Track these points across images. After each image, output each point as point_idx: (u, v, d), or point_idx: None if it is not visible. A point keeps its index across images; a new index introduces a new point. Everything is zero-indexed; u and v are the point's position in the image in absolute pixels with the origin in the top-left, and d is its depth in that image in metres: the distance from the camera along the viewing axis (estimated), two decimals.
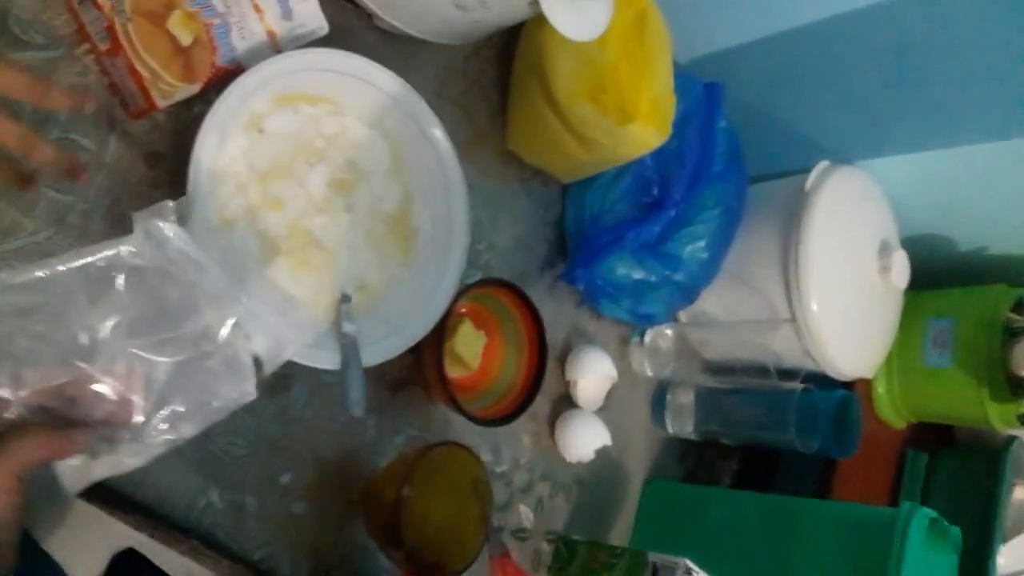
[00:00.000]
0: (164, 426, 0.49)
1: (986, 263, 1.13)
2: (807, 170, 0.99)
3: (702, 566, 0.78)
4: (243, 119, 0.65)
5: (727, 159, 0.96)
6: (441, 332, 0.74)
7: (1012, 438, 1.09)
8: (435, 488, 0.72)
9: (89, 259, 0.48)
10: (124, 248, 0.48)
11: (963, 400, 1.03)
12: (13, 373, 0.46)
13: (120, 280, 0.48)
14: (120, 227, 0.62)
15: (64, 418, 0.47)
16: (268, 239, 0.67)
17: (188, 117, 0.66)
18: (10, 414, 0.46)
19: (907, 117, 1.00)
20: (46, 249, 0.58)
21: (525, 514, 0.89)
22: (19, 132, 0.52)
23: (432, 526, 0.72)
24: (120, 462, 0.49)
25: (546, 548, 0.90)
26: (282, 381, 0.70)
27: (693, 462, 1.11)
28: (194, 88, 0.63)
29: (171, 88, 0.61)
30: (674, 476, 1.09)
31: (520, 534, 0.88)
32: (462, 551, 0.72)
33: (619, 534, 0.99)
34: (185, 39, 0.61)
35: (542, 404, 0.91)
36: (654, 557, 0.79)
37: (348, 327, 0.68)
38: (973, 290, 1.07)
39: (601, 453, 0.92)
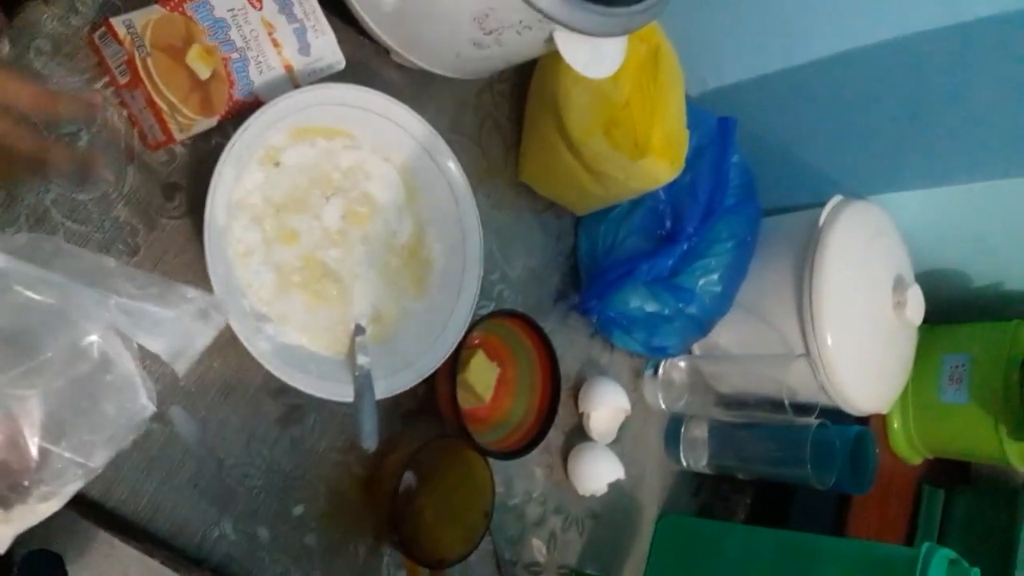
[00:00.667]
0: (69, 461, 0.44)
1: (1002, 298, 1.12)
2: (820, 204, 0.99)
3: None
4: (260, 152, 0.66)
5: (740, 193, 0.96)
6: (454, 364, 0.74)
7: None
8: (437, 479, 0.73)
9: None
10: None
11: (980, 437, 1.02)
12: None
13: None
14: (138, 257, 0.62)
15: None
16: (283, 271, 0.67)
17: (206, 149, 0.66)
18: None
19: (921, 152, 1.01)
20: None
21: (538, 548, 0.88)
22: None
23: (433, 516, 0.73)
24: (34, 509, 0.44)
25: None
26: (296, 412, 0.70)
27: (707, 496, 1.10)
28: (212, 121, 0.63)
29: (189, 121, 0.62)
30: (688, 510, 1.07)
31: (533, 568, 0.87)
32: (462, 543, 0.72)
33: (633, 568, 0.98)
34: (203, 73, 0.62)
35: (555, 436, 0.90)
36: None
37: (362, 359, 0.69)
38: (989, 325, 1.06)
39: (614, 486, 0.91)
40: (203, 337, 0.51)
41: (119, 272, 0.49)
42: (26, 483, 0.43)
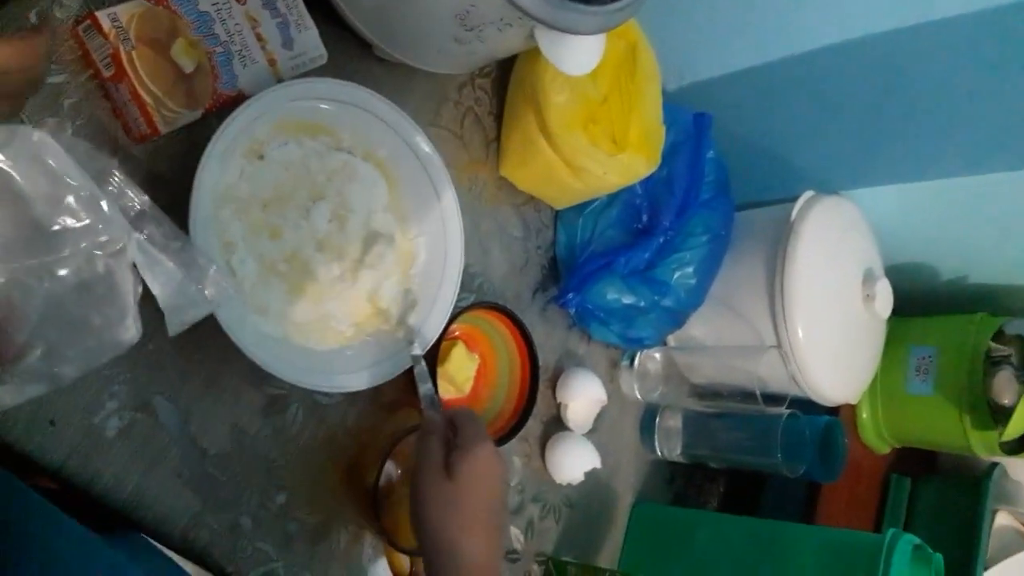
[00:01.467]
0: (40, 364, 0.45)
1: (968, 292, 1.15)
2: (793, 198, 1.01)
3: None
4: (244, 146, 0.67)
5: (715, 187, 0.98)
6: (435, 355, 0.75)
7: (994, 464, 1.10)
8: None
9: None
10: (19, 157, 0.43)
11: (945, 427, 1.05)
12: None
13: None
14: None
15: None
16: (267, 264, 0.68)
17: (190, 141, 0.67)
18: None
19: (892, 148, 1.03)
20: None
21: (516, 536, 0.89)
22: None
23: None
24: None
25: (536, 570, 0.91)
26: (278, 402, 0.70)
27: (681, 484, 1.13)
28: (196, 114, 0.64)
29: (173, 114, 0.62)
30: (662, 498, 1.10)
31: (511, 555, 0.89)
32: None
33: (608, 555, 1.00)
34: (188, 66, 0.63)
35: (533, 426, 0.92)
36: None
37: (416, 351, 0.73)
38: (955, 318, 1.09)
39: (591, 475, 0.93)
40: (201, 307, 0.53)
41: (152, 215, 0.51)
42: None
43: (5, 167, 0.44)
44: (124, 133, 0.64)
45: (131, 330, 0.49)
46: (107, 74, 0.61)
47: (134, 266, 0.49)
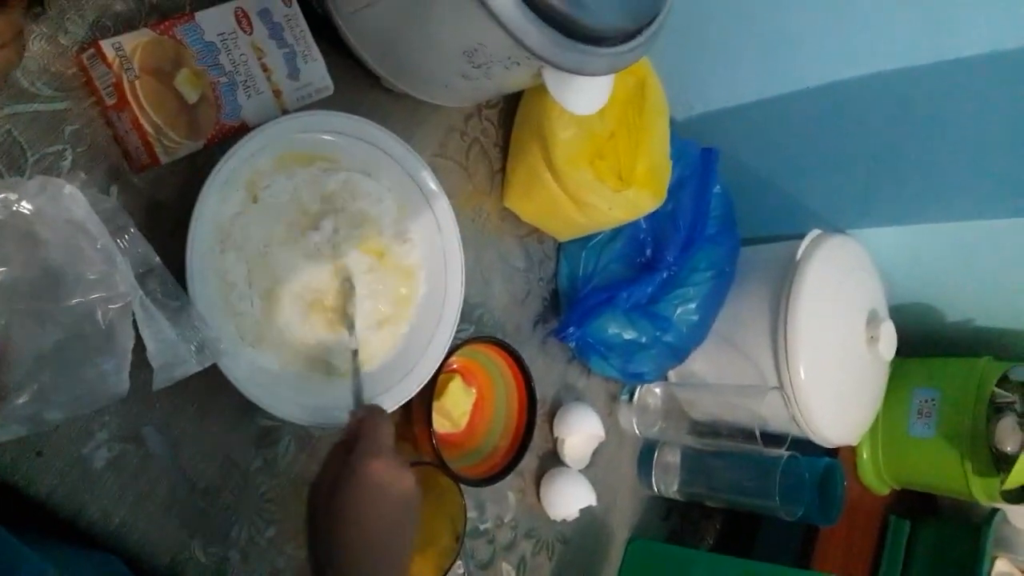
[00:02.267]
0: (27, 406, 0.46)
1: (973, 335, 1.14)
2: (799, 235, 1.01)
3: None
4: (246, 176, 0.66)
5: (720, 223, 0.97)
6: (431, 389, 0.74)
7: (995, 510, 1.09)
8: None
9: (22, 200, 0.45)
10: (13, 194, 0.45)
11: (946, 471, 1.04)
12: None
13: (7, 231, 0.45)
14: None
15: None
16: (267, 298, 0.67)
17: (191, 170, 0.66)
18: None
19: (901, 188, 1.02)
20: None
21: (508, 572, 0.88)
22: None
23: None
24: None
25: None
26: (271, 434, 0.70)
27: (677, 521, 1.12)
28: (198, 145, 0.63)
29: (175, 145, 0.62)
30: (657, 535, 1.08)
31: None
32: (433, 569, 0.73)
33: None
34: (191, 97, 0.62)
35: (529, 461, 0.91)
36: None
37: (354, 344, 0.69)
38: (960, 361, 1.08)
39: (586, 511, 0.92)
40: (188, 366, 0.54)
41: (158, 273, 0.53)
42: None
43: (31, 214, 0.45)
44: (125, 161, 0.63)
45: (123, 384, 0.49)
46: (110, 102, 0.61)
47: (133, 321, 0.50)
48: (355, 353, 0.68)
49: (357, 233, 0.73)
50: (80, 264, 0.47)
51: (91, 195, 0.50)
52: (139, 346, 0.53)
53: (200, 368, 0.56)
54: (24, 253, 0.46)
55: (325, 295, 0.70)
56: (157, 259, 0.55)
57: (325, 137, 0.69)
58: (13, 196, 0.45)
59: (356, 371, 0.67)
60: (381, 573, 0.55)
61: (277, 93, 0.67)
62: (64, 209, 0.47)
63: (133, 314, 0.50)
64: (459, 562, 0.79)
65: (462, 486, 0.75)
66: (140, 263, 0.53)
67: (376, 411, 0.60)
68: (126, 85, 0.59)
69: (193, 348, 0.55)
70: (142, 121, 0.60)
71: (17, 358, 0.45)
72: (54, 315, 0.46)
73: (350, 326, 0.69)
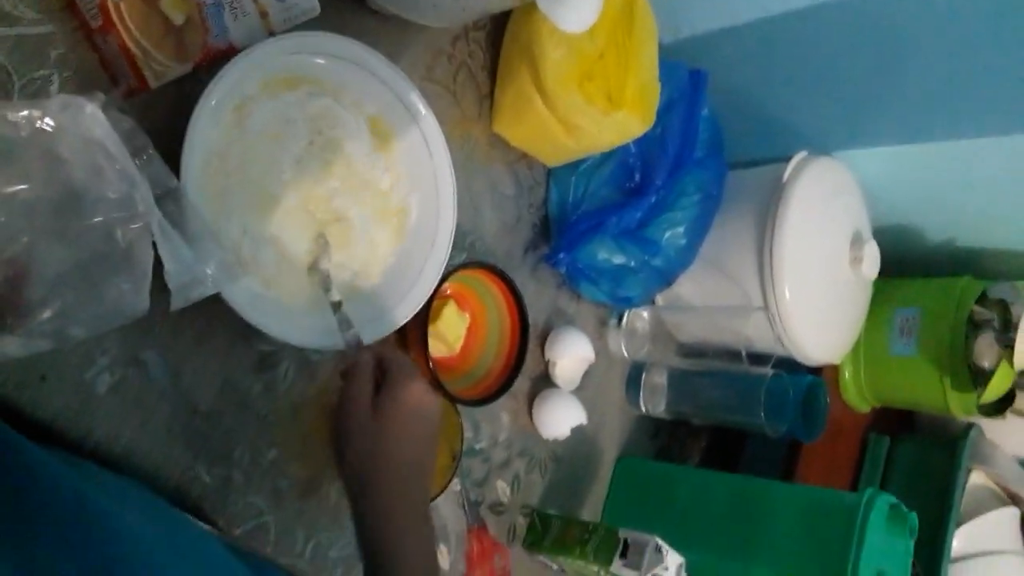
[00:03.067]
0: (50, 322, 0.47)
1: (954, 255, 1.16)
2: (785, 158, 1.01)
3: (669, 541, 0.81)
4: (235, 100, 0.66)
5: (708, 146, 0.97)
6: (426, 314, 0.75)
7: (971, 425, 1.13)
8: None
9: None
10: (36, 111, 0.45)
11: (926, 388, 1.07)
12: None
13: (30, 148, 0.45)
14: None
15: None
16: (258, 222, 0.67)
17: (179, 96, 0.65)
18: None
19: (885, 110, 1.03)
20: None
21: (502, 489, 0.91)
22: None
23: None
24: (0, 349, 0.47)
25: (522, 522, 0.93)
26: (269, 359, 0.71)
27: (664, 440, 1.15)
28: (186, 68, 0.63)
29: (163, 68, 0.61)
30: (646, 453, 1.12)
31: (498, 508, 0.90)
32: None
33: (592, 508, 1.02)
34: (177, 19, 0.61)
35: (521, 383, 0.93)
36: (625, 534, 0.82)
37: (324, 264, 0.69)
38: (940, 281, 1.10)
39: (576, 431, 0.94)
40: (204, 288, 0.55)
41: (175, 196, 0.53)
42: (8, 322, 0.45)
43: (53, 132, 0.45)
44: (113, 86, 0.62)
45: (143, 302, 0.50)
46: (94, 25, 0.59)
47: (152, 242, 0.51)
48: (339, 305, 0.68)
49: (344, 160, 0.73)
50: (100, 184, 0.47)
51: (111, 115, 0.50)
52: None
53: (216, 290, 0.56)
54: (46, 171, 0.46)
55: (313, 218, 0.71)
56: (175, 181, 0.55)
57: (314, 60, 0.69)
58: (36, 113, 0.45)
59: (346, 321, 0.67)
60: (419, 486, 0.60)
61: (264, 14, 0.66)
62: (85, 128, 0.47)
63: (152, 235, 0.50)
64: (456, 480, 0.81)
65: (458, 407, 0.77)
66: (158, 184, 0.53)
67: (390, 345, 0.65)
68: (111, 6, 0.58)
69: (209, 270, 0.55)
70: (129, 44, 0.59)
71: (40, 275, 0.45)
72: (75, 234, 0.47)
73: (326, 284, 0.69)
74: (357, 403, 0.60)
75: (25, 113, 0.45)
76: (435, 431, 0.62)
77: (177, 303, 0.54)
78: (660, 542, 0.80)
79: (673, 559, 0.79)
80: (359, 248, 0.75)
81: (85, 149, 0.47)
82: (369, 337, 0.71)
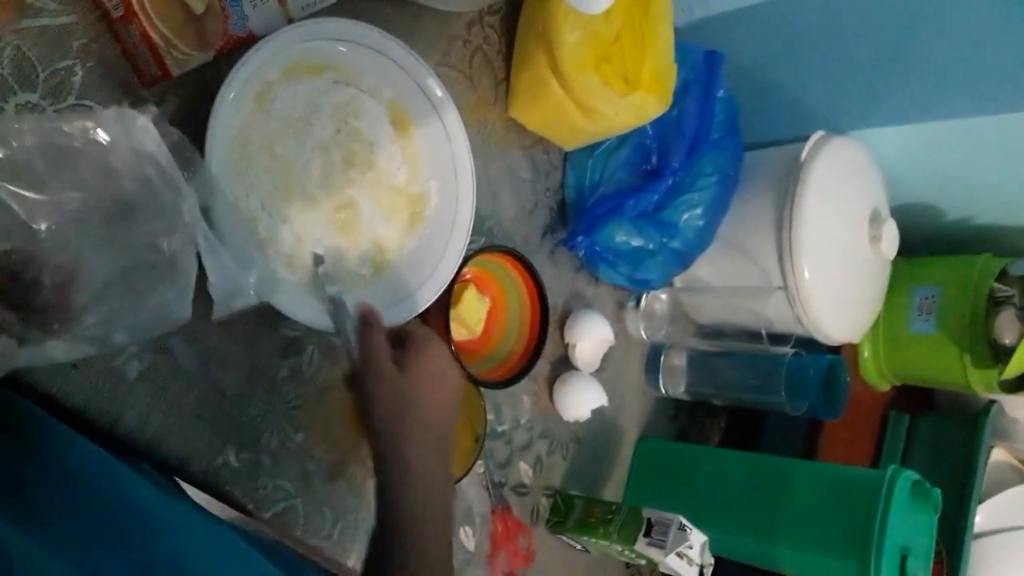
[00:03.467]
0: (95, 328, 0.48)
1: (973, 233, 1.16)
2: (802, 138, 1.01)
3: (691, 521, 0.81)
4: (256, 87, 0.66)
5: (725, 128, 0.97)
6: (448, 298, 0.76)
7: (991, 402, 1.13)
8: None
9: (55, 124, 0.46)
10: (90, 123, 0.47)
11: (946, 365, 1.06)
12: None
13: (84, 158, 0.47)
14: None
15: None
16: (282, 209, 0.68)
17: (200, 84, 0.66)
18: None
19: (902, 88, 1.02)
20: None
21: (525, 471, 0.92)
22: None
23: None
24: (45, 353, 0.47)
25: (545, 503, 0.94)
26: (295, 344, 0.72)
27: (684, 421, 1.15)
28: (207, 56, 0.63)
29: (185, 57, 0.62)
30: (666, 434, 1.12)
31: (520, 490, 0.91)
32: (455, 467, 0.76)
33: (613, 489, 1.03)
34: (198, 7, 0.62)
35: (542, 366, 0.93)
36: (649, 513, 0.83)
37: (331, 289, 0.68)
38: (959, 259, 1.10)
39: (597, 413, 0.95)
40: (247, 298, 0.56)
41: (223, 204, 0.54)
42: (55, 327, 0.47)
43: (104, 143, 0.47)
44: (135, 76, 0.63)
45: (186, 311, 0.51)
46: (116, 15, 0.60)
47: (196, 252, 0.52)
48: (340, 304, 0.66)
49: (365, 147, 0.73)
50: (149, 194, 0.48)
51: (162, 127, 0.51)
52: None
53: (258, 301, 0.57)
54: (97, 181, 0.46)
55: (331, 204, 0.71)
56: (222, 185, 0.57)
57: (332, 46, 0.69)
58: (91, 124, 0.46)
59: (346, 321, 0.65)
60: (444, 448, 0.60)
61: (282, 2, 0.66)
62: (136, 140, 0.48)
63: (196, 245, 0.51)
64: (479, 461, 0.82)
65: (480, 390, 0.78)
66: (204, 195, 0.54)
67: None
68: None
69: (252, 280, 0.56)
70: (151, 33, 0.59)
71: (87, 282, 0.47)
72: (122, 243, 0.48)
73: (326, 296, 0.67)
74: (381, 360, 0.60)
75: (80, 124, 0.46)
76: (458, 399, 0.62)
77: (220, 313, 0.55)
78: (684, 521, 0.80)
79: (697, 537, 0.80)
80: (375, 235, 0.75)
81: (135, 160, 0.48)
82: (391, 321, 0.72)
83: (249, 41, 0.64)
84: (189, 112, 0.65)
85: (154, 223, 0.49)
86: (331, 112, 0.72)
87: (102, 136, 0.47)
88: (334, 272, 0.71)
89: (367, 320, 0.63)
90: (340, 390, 0.74)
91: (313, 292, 0.69)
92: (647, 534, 0.81)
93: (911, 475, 0.84)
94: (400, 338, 0.63)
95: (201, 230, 0.51)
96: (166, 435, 0.64)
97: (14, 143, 0.44)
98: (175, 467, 0.65)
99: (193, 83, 0.66)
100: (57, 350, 0.47)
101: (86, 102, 0.61)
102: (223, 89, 0.61)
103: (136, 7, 0.59)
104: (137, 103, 0.63)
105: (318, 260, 0.70)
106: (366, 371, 0.60)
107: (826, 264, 0.97)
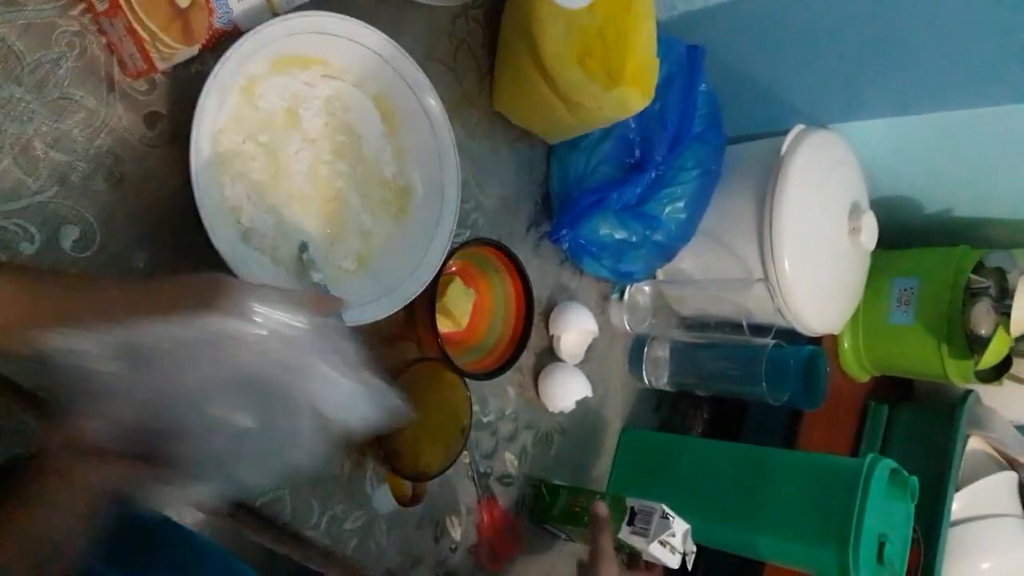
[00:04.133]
0: (239, 475, 0.52)
1: (950, 225, 1.17)
2: (783, 132, 1.02)
3: (675, 510, 0.82)
4: (241, 81, 0.66)
5: (707, 121, 0.98)
6: (433, 291, 0.77)
7: (968, 392, 1.14)
8: (418, 399, 0.75)
9: (215, 329, 0.49)
10: (253, 333, 0.50)
11: (924, 356, 1.08)
12: (109, 406, 0.49)
13: (266, 343, 0.50)
14: (123, 187, 0.63)
15: (148, 452, 0.50)
16: (269, 200, 0.68)
17: (186, 78, 0.66)
18: (100, 439, 0.49)
19: (882, 83, 1.03)
20: (50, 209, 0.60)
21: (510, 461, 0.93)
22: None
23: (413, 433, 0.77)
24: (190, 496, 0.52)
25: (530, 493, 0.94)
26: None
27: (667, 411, 1.16)
28: (193, 50, 0.63)
29: (170, 50, 0.62)
30: (649, 425, 1.13)
31: (505, 480, 0.92)
32: (441, 458, 0.77)
33: (597, 479, 1.04)
34: (183, 1, 0.62)
35: (527, 357, 0.94)
36: (632, 502, 0.84)
37: (316, 276, 0.68)
38: (937, 251, 1.11)
39: (581, 403, 0.96)
40: (361, 422, 0.56)
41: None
42: (195, 475, 0.51)
43: (290, 335, 0.51)
44: (120, 69, 0.63)
45: (313, 463, 0.53)
46: (100, 8, 0.60)
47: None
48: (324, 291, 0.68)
49: (350, 140, 0.74)
50: (310, 384, 0.52)
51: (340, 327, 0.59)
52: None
53: (371, 420, 0.57)
54: (270, 364, 0.51)
55: (317, 197, 0.72)
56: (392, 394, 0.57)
57: (317, 39, 0.69)
58: (286, 319, 0.51)
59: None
60: None
61: None
62: (314, 336, 0.52)
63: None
64: (465, 452, 0.83)
65: (466, 381, 0.78)
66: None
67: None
68: None
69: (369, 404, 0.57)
70: (136, 26, 0.60)
71: (239, 437, 0.51)
72: (277, 417, 0.52)
73: (311, 284, 0.69)
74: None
75: (275, 317, 0.50)
76: None
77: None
78: (667, 509, 0.81)
79: (679, 525, 0.81)
80: (361, 228, 0.76)
81: (283, 349, 0.51)
82: (377, 314, 0.72)
83: (234, 35, 0.64)
84: (176, 105, 0.66)
85: (309, 408, 0.52)
86: (320, 105, 0.72)
87: (287, 329, 0.51)
88: (319, 260, 0.71)
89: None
90: None
91: (298, 280, 0.69)
92: (630, 522, 0.82)
93: (889, 463, 0.85)
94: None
95: (346, 422, 0.54)
96: None
97: (176, 342, 0.48)
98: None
99: (180, 77, 0.66)
100: (204, 491, 0.51)
101: (71, 96, 0.61)
102: (208, 82, 0.61)
103: (121, 1, 0.59)
104: (124, 97, 0.63)
105: (303, 247, 0.70)
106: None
107: (806, 256, 0.99)
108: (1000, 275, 1.06)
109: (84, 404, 0.48)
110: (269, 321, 0.50)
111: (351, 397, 0.54)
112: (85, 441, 0.49)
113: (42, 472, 0.50)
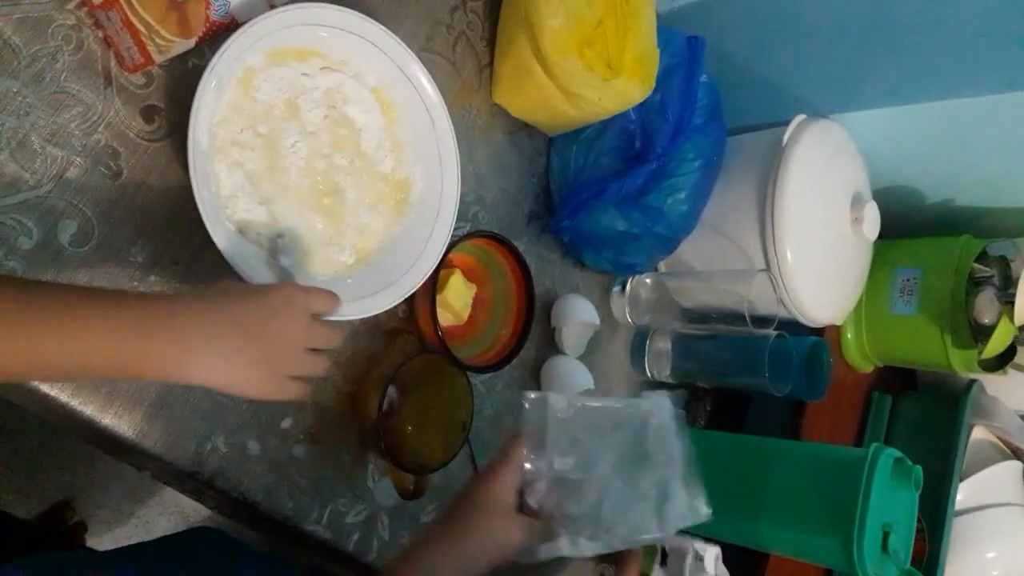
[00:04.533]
0: (601, 534, 0.63)
1: (954, 214, 1.17)
2: (784, 122, 1.01)
3: None
4: (239, 74, 0.66)
5: (708, 112, 0.98)
6: (434, 284, 0.76)
7: (972, 381, 1.14)
8: (419, 392, 0.77)
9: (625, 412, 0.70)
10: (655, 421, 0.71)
11: (927, 346, 1.08)
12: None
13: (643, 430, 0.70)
14: (121, 180, 0.63)
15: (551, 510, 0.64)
16: (267, 193, 0.68)
17: (183, 71, 0.66)
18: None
19: (883, 71, 1.03)
20: (48, 203, 0.59)
21: None
22: None
23: (415, 426, 0.78)
24: (573, 549, 0.62)
25: None
26: None
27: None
28: (189, 43, 0.63)
29: (167, 43, 0.62)
30: None
31: None
32: (442, 451, 0.77)
33: None
34: None
35: (528, 350, 0.93)
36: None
37: (285, 261, 0.68)
38: (940, 240, 1.11)
39: None
40: (648, 535, 0.68)
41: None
42: (577, 531, 0.63)
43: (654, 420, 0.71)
44: (117, 63, 0.63)
45: (658, 537, 0.69)
46: (98, 1, 0.60)
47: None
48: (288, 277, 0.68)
49: (349, 133, 0.73)
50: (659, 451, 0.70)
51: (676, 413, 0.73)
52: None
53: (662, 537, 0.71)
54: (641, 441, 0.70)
55: (315, 189, 0.71)
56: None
57: (314, 31, 0.69)
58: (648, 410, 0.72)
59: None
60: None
61: None
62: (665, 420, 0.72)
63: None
64: (466, 445, 0.82)
65: (467, 374, 0.78)
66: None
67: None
68: None
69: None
70: (132, 19, 0.59)
71: (607, 500, 0.65)
72: (636, 481, 0.68)
73: (278, 266, 0.68)
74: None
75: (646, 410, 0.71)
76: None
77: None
78: (696, 546, 0.82)
79: (711, 553, 0.82)
80: (360, 222, 0.75)
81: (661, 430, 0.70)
82: (377, 308, 0.72)
83: (232, 27, 0.64)
84: (175, 98, 0.65)
85: (663, 472, 0.69)
86: (319, 97, 0.72)
87: (654, 421, 0.71)
88: (295, 248, 0.70)
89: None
90: (327, 376, 0.75)
91: (268, 262, 0.68)
92: (663, 563, 0.83)
93: (893, 452, 0.85)
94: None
95: (680, 476, 0.71)
96: (154, 420, 0.64)
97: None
98: (162, 453, 0.65)
99: (176, 70, 0.66)
100: (564, 548, 0.61)
101: (68, 90, 0.61)
102: (205, 75, 0.61)
103: None
104: (120, 91, 0.63)
105: (280, 235, 0.69)
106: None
107: (808, 246, 0.98)
108: (1004, 264, 1.05)
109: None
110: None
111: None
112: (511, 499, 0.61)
113: (470, 522, 0.59)
